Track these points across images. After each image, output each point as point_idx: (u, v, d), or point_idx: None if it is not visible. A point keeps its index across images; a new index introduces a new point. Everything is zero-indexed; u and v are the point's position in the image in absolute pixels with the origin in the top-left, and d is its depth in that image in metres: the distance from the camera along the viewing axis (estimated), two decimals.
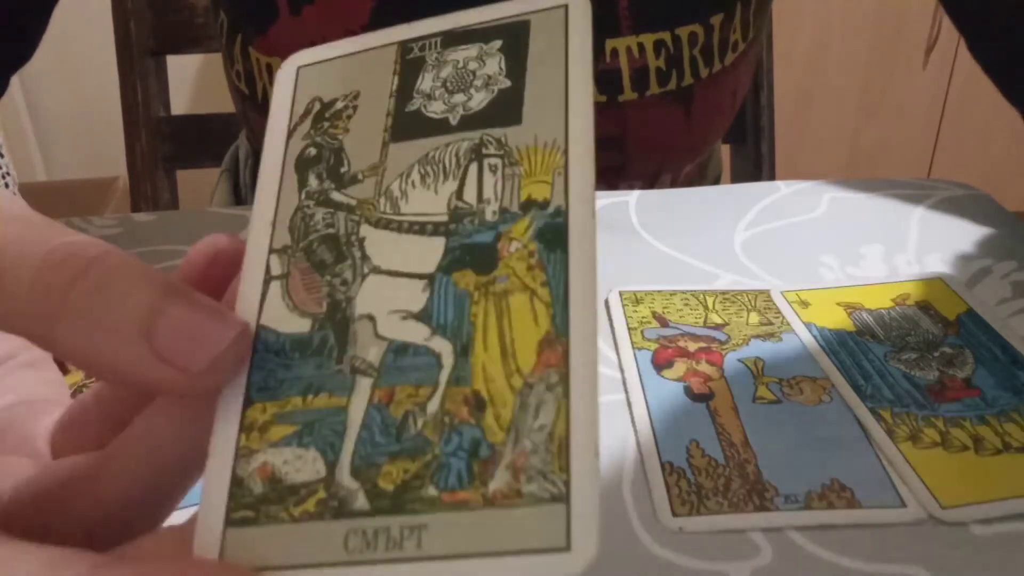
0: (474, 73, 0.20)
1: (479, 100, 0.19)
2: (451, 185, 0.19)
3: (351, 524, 0.16)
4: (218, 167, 0.75)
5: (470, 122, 0.19)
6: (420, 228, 0.19)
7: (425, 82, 0.20)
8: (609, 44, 0.54)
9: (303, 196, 0.20)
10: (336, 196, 0.20)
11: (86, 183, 1.63)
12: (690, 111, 0.57)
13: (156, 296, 0.17)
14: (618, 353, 0.38)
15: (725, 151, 0.81)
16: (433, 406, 0.17)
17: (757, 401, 0.35)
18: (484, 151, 0.19)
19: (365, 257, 0.19)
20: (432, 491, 0.16)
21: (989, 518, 0.29)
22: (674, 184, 0.62)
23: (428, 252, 0.18)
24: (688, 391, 0.35)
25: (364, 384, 0.18)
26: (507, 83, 0.19)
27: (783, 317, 0.40)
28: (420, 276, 0.18)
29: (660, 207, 0.50)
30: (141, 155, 0.83)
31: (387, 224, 0.19)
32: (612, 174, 0.58)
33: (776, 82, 0.85)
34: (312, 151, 0.21)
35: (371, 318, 0.18)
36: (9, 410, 0.22)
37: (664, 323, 0.39)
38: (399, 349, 0.18)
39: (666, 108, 0.56)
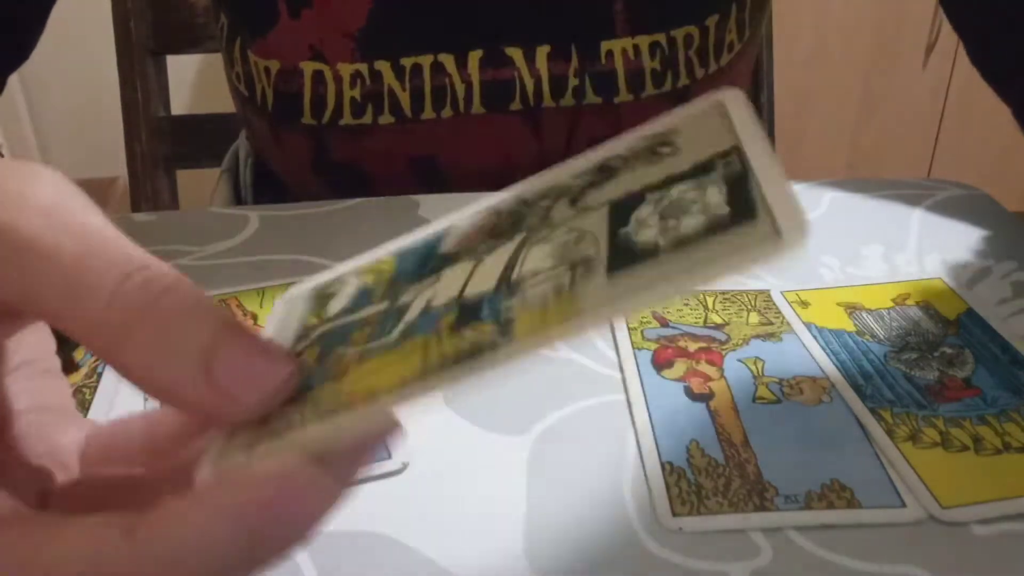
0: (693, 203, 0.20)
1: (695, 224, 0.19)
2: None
3: None
4: (218, 167, 0.75)
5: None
6: None
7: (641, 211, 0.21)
8: (604, 46, 0.54)
9: None
10: None
11: (86, 183, 1.60)
12: None
13: (217, 331, 0.18)
14: (618, 353, 0.38)
15: None
16: None
17: (757, 401, 0.35)
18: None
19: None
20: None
21: (989, 518, 0.29)
22: None
23: None
24: (688, 391, 0.35)
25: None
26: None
27: (783, 317, 0.40)
28: None
29: None
30: (141, 155, 0.83)
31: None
32: None
33: (776, 82, 0.85)
34: None
35: None
36: (32, 415, 0.22)
37: (664, 323, 0.39)
38: None
39: (662, 109, 0.56)
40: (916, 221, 0.48)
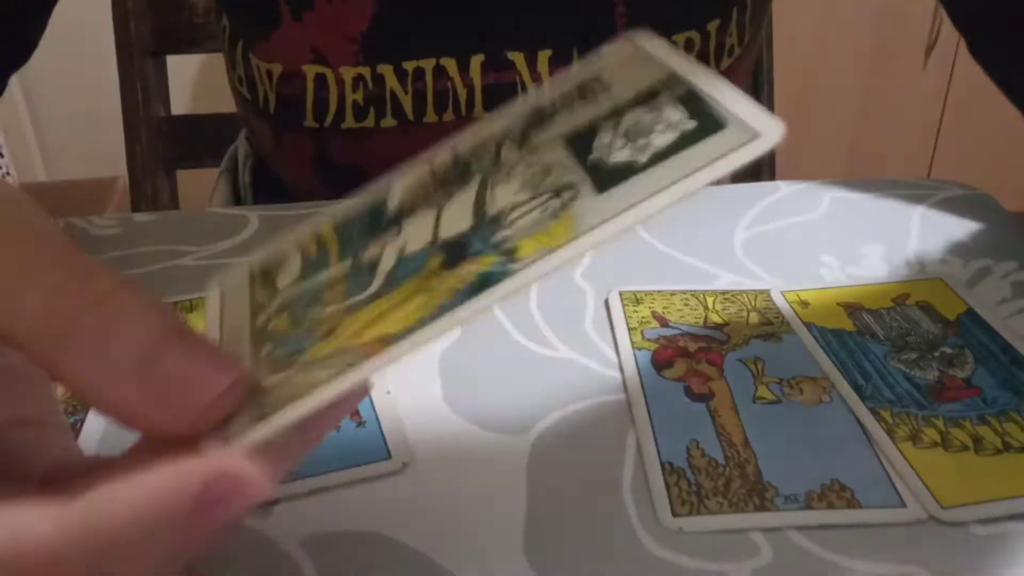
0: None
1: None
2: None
3: None
4: (218, 167, 0.75)
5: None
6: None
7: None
8: None
9: None
10: None
11: (86, 183, 1.63)
12: None
13: (157, 337, 0.18)
14: (618, 353, 0.38)
15: None
16: None
17: (757, 401, 0.35)
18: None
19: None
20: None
21: (989, 518, 0.29)
22: None
23: None
24: (688, 391, 0.35)
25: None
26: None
27: (783, 317, 0.40)
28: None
29: None
30: (141, 155, 0.83)
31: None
32: None
33: (776, 82, 0.85)
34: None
35: None
36: (10, 431, 0.22)
37: (664, 323, 0.39)
38: None
39: None
40: (916, 221, 0.48)
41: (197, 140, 0.85)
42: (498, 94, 0.54)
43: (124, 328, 0.17)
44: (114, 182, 1.62)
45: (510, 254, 0.18)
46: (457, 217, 0.20)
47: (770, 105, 0.84)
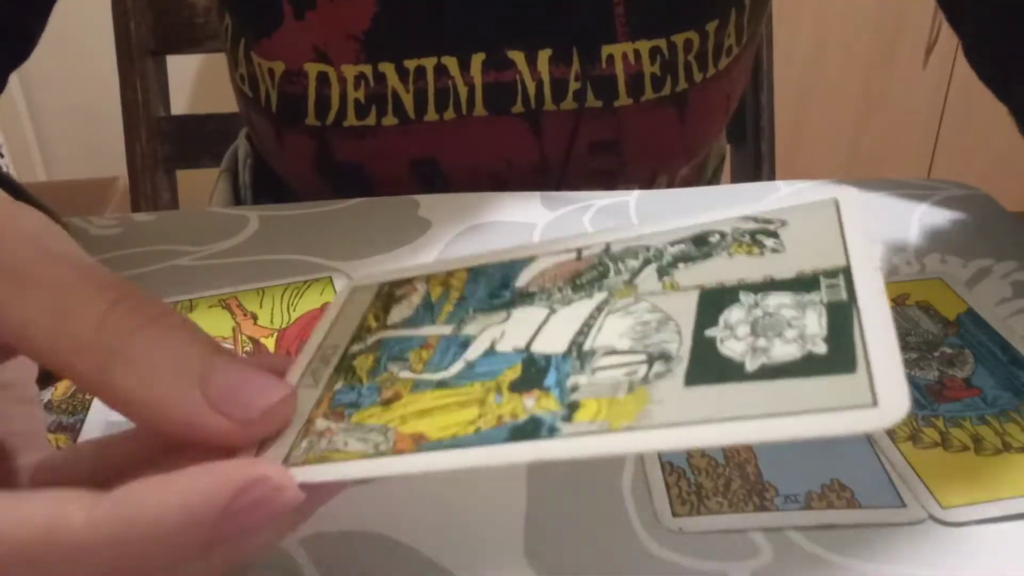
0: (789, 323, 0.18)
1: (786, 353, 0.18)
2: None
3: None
4: (218, 167, 0.75)
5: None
6: None
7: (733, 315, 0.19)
8: (605, 50, 0.54)
9: None
10: None
11: (86, 183, 1.63)
12: (684, 115, 0.57)
13: (210, 353, 0.19)
14: None
15: (727, 148, 0.81)
16: None
17: None
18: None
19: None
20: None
21: (989, 518, 0.29)
22: (670, 187, 0.62)
23: None
24: None
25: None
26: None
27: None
28: None
29: (660, 207, 0.50)
30: (141, 155, 0.83)
31: None
32: (608, 178, 0.58)
33: (776, 82, 0.85)
34: None
35: None
36: None
37: None
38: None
39: (661, 112, 0.56)
40: (916, 221, 0.48)
41: (197, 140, 0.85)
42: (498, 93, 0.54)
43: (179, 343, 0.18)
44: (114, 182, 1.62)
45: (571, 408, 0.18)
46: (559, 331, 0.20)
47: (770, 105, 0.84)
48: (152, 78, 0.83)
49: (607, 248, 0.22)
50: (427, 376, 0.20)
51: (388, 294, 0.24)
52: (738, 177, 0.85)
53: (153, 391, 0.18)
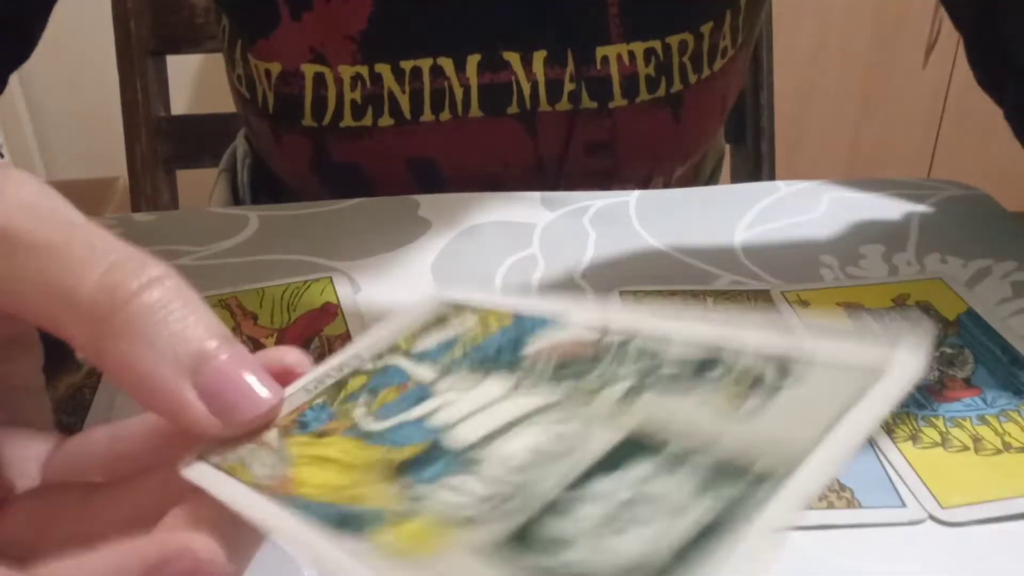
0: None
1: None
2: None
3: None
4: (218, 167, 0.75)
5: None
6: None
7: None
8: (599, 52, 0.54)
9: None
10: None
11: (86, 183, 1.63)
12: (679, 116, 0.57)
13: (212, 338, 0.17)
14: None
15: (725, 148, 0.81)
16: None
17: None
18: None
19: None
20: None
21: (989, 518, 0.29)
22: (667, 187, 0.62)
23: None
24: None
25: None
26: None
27: (783, 317, 0.40)
28: None
29: (660, 207, 0.50)
30: (141, 155, 0.83)
31: None
32: (604, 178, 0.58)
33: (776, 82, 0.84)
34: None
35: None
36: (5, 428, 0.22)
37: None
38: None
39: (655, 114, 0.56)
40: (916, 221, 0.48)
41: (197, 140, 0.85)
42: (493, 94, 0.54)
43: (180, 314, 0.17)
44: (114, 182, 1.63)
45: (399, 517, 0.15)
46: (484, 421, 0.17)
47: (770, 105, 0.84)
48: (152, 78, 0.83)
49: (625, 342, 0.18)
50: (364, 421, 0.18)
51: (440, 317, 0.22)
52: (738, 177, 0.85)
53: (143, 363, 0.17)
